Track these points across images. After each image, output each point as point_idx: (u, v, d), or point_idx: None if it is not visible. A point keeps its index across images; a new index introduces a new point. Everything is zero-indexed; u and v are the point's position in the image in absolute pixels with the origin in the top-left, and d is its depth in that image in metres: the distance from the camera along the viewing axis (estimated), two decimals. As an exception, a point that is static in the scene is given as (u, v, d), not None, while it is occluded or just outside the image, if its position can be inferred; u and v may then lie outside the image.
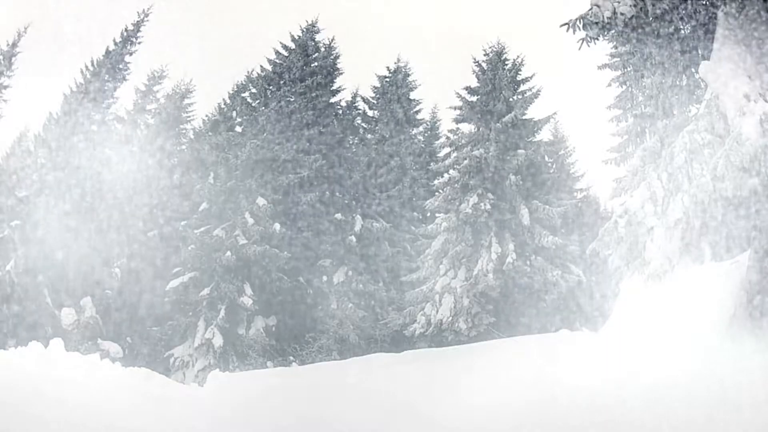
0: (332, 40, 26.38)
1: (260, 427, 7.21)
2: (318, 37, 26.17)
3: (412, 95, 27.47)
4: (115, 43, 23.15)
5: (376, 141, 25.47)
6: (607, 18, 7.32)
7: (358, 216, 22.93)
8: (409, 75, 27.58)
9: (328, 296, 21.66)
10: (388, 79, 27.55)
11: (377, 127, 26.35)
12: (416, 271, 21.11)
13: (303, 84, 24.56)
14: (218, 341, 19.38)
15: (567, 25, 7.65)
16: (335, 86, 26.17)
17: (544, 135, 22.69)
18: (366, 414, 7.22)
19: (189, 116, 25.44)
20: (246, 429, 7.25)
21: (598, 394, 6.19)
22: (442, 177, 21.08)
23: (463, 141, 21.53)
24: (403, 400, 7.40)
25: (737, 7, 7.10)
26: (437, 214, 21.07)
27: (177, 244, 21.91)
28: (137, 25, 23.35)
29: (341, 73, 26.34)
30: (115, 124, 22.76)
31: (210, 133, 23.94)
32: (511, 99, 21.39)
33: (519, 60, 22.06)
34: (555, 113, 22.26)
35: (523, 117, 21.33)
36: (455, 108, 21.93)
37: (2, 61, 22.13)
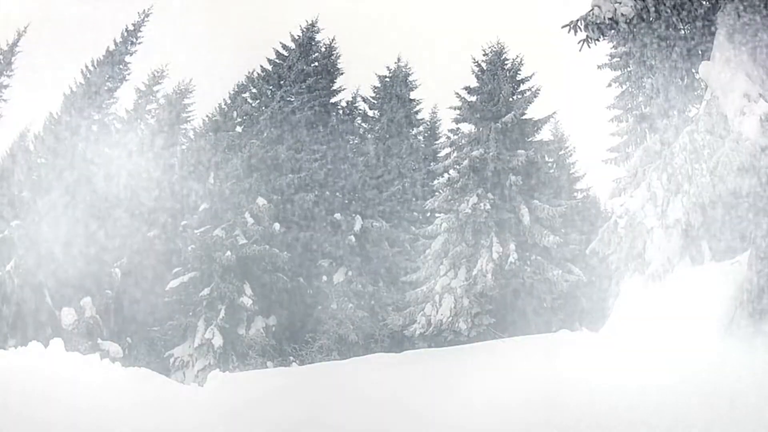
0: (332, 40, 26.46)
1: (260, 427, 7.21)
2: (318, 37, 26.25)
3: (412, 95, 27.54)
4: (115, 44, 23.17)
5: (376, 141, 25.47)
6: (608, 19, 7.34)
7: (358, 216, 22.93)
8: (409, 75, 27.62)
9: (328, 296, 21.65)
10: (388, 79, 27.57)
11: (377, 127, 26.36)
12: (416, 271, 21.10)
13: (303, 84, 24.57)
14: (218, 341, 19.39)
15: (568, 27, 7.67)
16: (335, 86, 26.25)
17: (544, 135, 22.66)
18: (366, 414, 7.22)
19: (189, 116, 25.45)
20: (246, 429, 7.25)
21: (598, 394, 6.20)
22: (442, 177, 21.08)
23: (462, 141, 21.52)
24: (404, 400, 7.40)
25: (737, 8, 7.11)
26: (437, 214, 21.07)
27: (177, 244, 21.92)
28: (137, 26, 23.37)
29: (341, 73, 26.42)
30: (115, 124, 22.75)
31: (210, 133, 23.96)
32: (510, 99, 21.40)
33: (518, 60, 22.09)
34: (555, 113, 22.23)
35: (523, 117, 21.32)
36: (455, 108, 21.93)
37: (2, 61, 22.15)
